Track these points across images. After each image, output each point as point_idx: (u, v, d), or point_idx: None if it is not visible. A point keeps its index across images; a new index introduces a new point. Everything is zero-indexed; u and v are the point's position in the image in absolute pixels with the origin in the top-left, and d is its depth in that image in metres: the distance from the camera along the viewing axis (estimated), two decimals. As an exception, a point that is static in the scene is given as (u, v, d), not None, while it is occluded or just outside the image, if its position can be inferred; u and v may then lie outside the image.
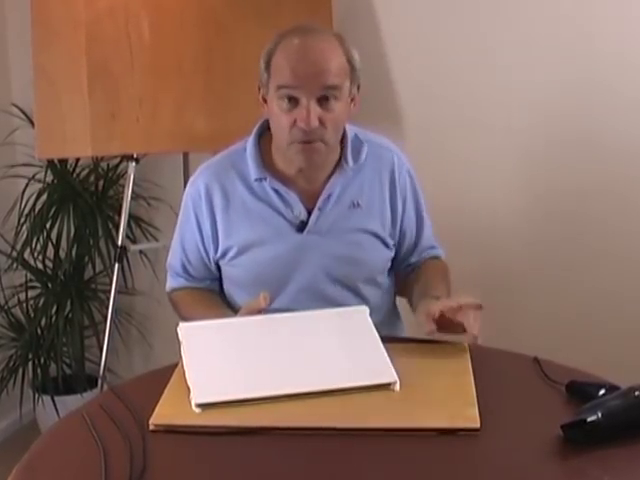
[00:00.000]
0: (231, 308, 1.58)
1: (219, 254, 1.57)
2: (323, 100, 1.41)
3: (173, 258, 1.64)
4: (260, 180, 1.52)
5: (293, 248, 1.52)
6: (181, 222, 1.61)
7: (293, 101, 1.41)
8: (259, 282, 1.52)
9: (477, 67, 2.19)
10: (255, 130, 1.56)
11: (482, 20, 2.17)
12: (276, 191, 1.51)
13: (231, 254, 1.55)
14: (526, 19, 2.12)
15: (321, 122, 1.41)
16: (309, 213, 1.52)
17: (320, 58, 1.40)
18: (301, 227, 1.52)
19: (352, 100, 1.49)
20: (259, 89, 1.49)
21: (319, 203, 1.51)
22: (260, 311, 1.39)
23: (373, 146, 1.57)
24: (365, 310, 1.41)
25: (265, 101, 1.48)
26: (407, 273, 1.64)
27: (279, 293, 1.50)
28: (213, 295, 1.62)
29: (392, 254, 1.61)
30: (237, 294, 1.60)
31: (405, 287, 1.63)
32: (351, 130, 1.55)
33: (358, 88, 1.50)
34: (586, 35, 2.06)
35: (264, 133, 1.55)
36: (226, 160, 1.57)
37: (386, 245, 1.58)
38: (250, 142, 1.54)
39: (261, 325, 1.37)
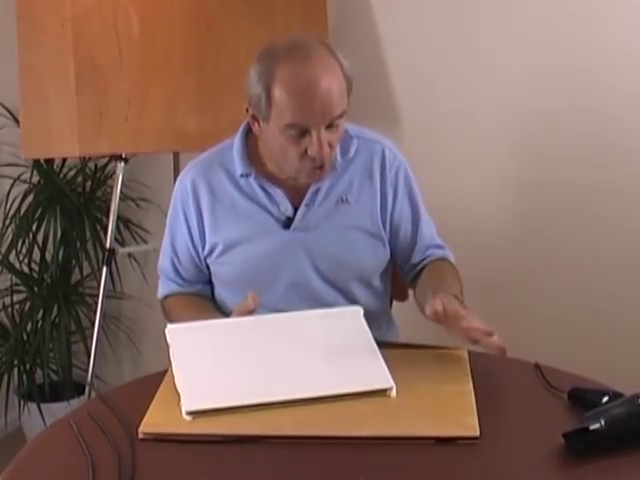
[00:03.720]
0: (222, 312, 1.57)
1: (206, 251, 1.56)
2: (330, 125, 1.41)
3: (164, 259, 1.63)
4: (245, 176, 1.52)
5: (279, 245, 1.51)
6: (170, 221, 1.61)
7: (301, 132, 1.40)
8: (246, 280, 1.51)
9: (475, 66, 2.20)
10: (242, 127, 1.56)
11: (480, 19, 2.17)
12: (262, 187, 1.51)
13: (217, 251, 1.55)
14: (525, 18, 2.12)
15: (329, 145, 1.41)
16: (296, 210, 1.51)
17: (326, 92, 1.37)
18: (287, 224, 1.51)
19: None
20: (247, 110, 1.46)
21: (306, 199, 1.51)
22: (250, 312, 1.37)
23: (364, 141, 1.56)
24: (359, 311, 1.39)
25: (255, 119, 1.46)
26: (414, 275, 1.60)
27: (267, 291, 1.48)
28: (205, 301, 1.61)
29: (387, 253, 1.59)
30: (226, 294, 1.59)
31: (416, 290, 1.59)
32: None
33: None
34: (585, 31, 2.06)
35: (251, 130, 1.54)
36: (213, 157, 1.57)
37: (378, 243, 1.56)
38: (237, 139, 1.54)
39: (252, 327, 1.35)
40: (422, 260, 1.60)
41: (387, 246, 1.58)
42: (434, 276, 1.53)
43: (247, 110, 1.46)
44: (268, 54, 1.41)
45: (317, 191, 1.51)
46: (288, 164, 1.45)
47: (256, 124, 1.46)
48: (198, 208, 1.54)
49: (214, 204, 1.53)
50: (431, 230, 1.63)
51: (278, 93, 1.38)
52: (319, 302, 1.50)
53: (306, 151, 1.40)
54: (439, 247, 1.63)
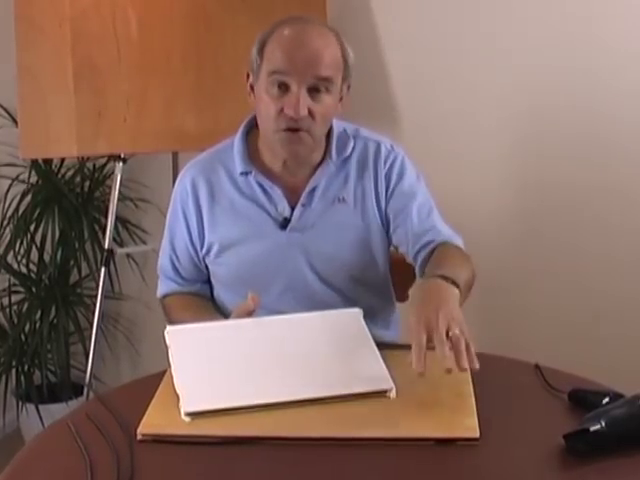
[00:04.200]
0: (221, 312, 1.57)
1: (204, 250, 1.56)
2: (314, 91, 1.40)
3: (163, 258, 1.63)
4: (245, 174, 1.51)
5: (276, 246, 1.51)
6: (170, 220, 1.61)
7: (283, 87, 1.40)
8: (243, 281, 1.51)
9: (475, 65, 2.20)
10: (243, 126, 1.56)
11: (480, 19, 2.17)
12: (261, 186, 1.51)
13: (214, 251, 1.55)
14: (525, 18, 2.12)
15: (310, 113, 1.40)
16: (293, 210, 1.51)
17: (316, 47, 1.39)
18: (284, 224, 1.51)
19: (340, 99, 1.48)
20: (248, 76, 1.49)
21: (302, 199, 1.51)
22: (250, 313, 1.36)
23: (361, 140, 1.56)
24: (359, 313, 1.38)
25: (252, 89, 1.48)
26: (421, 266, 1.50)
27: (264, 292, 1.46)
28: (204, 301, 1.61)
29: (385, 252, 1.58)
30: (224, 295, 1.59)
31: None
32: (339, 125, 1.54)
33: (348, 88, 1.49)
34: (585, 31, 2.07)
35: (252, 129, 1.55)
36: (213, 156, 1.57)
37: (376, 241, 1.55)
38: (237, 137, 1.55)
39: (251, 328, 1.34)
40: (423, 247, 1.50)
41: (386, 244, 1.57)
42: (431, 263, 1.43)
43: (247, 77, 1.48)
44: (270, 26, 1.44)
45: (313, 190, 1.51)
46: (268, 123, 1.43)
47: (252, 94, 1.47)
48: (197, 206, 1.54)
49: (213, 203, 1.53)
50: (427, 214, 1.53)
51: (269, 45, 1.41)
52: (317, 303, 1.49)
53: (283, 109, 1.39)
54: (437, 231, 1.51)
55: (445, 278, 1.26)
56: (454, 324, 1.15)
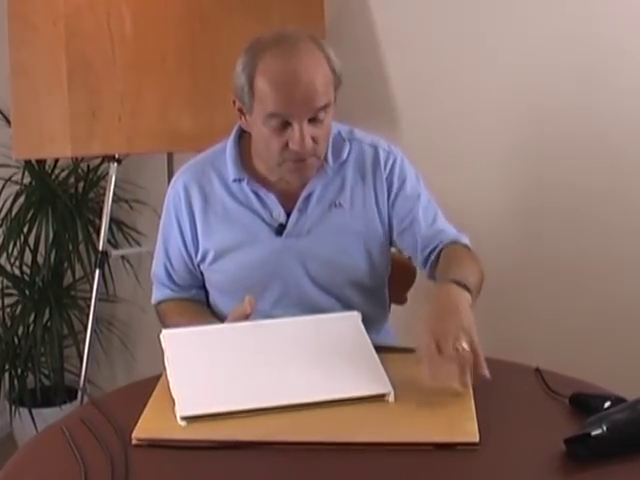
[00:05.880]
0: (217, 317, 1.55)
1: (199, 257, 1.55)
2: (313, 119, 1.39)
3: (157, 265, 1.62)
4: (238, 181, 1.50)
5: (272, 252, 1.50)
6: (163, 227, 1.59)
7: (283, 123, 1.38)
8: (239, 287, 1.49)
9: (474, 66, 2.20)
10: (235, 130, 1.54)
11: (480, 17, 2.17)
12: (255, 193, 1.50)
13: (209, 258, 1.54)
14: (525, 18, 2.12)
15: (313, 139, 1.39)
16: (289, 215, 1.49)
17: (309, 82, 1.36)
18: (280, 230, 1.50)
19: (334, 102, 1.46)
20: (234, 102, 1.45)
21: (298, 204, 1.49)
22: (247, 316, 1.36)
23: (357, 143, 1.54)
24: (357, 316, 1.38)
25: (242, 112, 1.45)
26: (431, 267, 1.52)
27: (260, 298, 1.46)
28: (199, 306, 1.60)
29: (384, 257, 1.57)
30: (220, 300, 1.58)
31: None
32: (335, 127, 1.52)
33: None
34: (585, 31, 2.07)
35: (244, 133, 1.53)
36: (205, 161, 1.56)
37: (374, 247, 1.54)
38: (230, 142, 1.53)
39: (248, 332, 1.34)
40: (432, 250, 1.52)
41: (385, 249, 1.56)
42: (442, 265, 1.46)
43: (234, 103, 1.45)
44: (254, 45, 1.40)
45: (309, 196, 1.50)
46: (271, 157, 1.42)
47: (243, 117, 1.45)
48: (191, 213, 1.52)
49: (206, 209, 1.52)
50: (434, 216, 1.55)
51: (260, 83, 1.37)
52: (314, 309, 1.48)
53: (287, 144, 1.38)
54: (445, 235, 1.53)
55: (457, 283, 1.29)
56: (463, 334, 1.19)
